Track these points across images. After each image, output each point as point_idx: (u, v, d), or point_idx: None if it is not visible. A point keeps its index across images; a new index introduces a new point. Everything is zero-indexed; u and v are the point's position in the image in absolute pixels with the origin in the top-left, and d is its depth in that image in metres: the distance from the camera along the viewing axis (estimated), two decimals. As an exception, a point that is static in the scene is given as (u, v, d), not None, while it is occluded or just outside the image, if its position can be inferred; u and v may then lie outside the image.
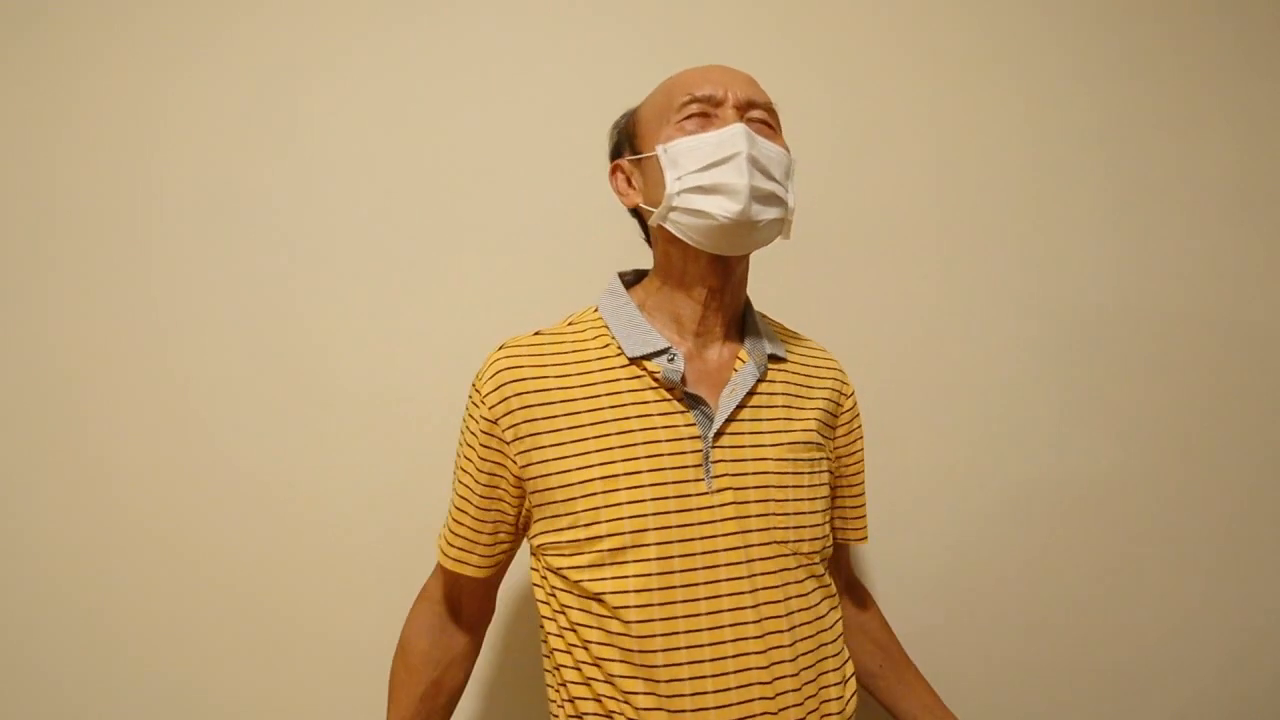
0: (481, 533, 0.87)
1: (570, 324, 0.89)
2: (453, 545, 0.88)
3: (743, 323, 0.90)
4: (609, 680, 0.79)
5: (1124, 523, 1.31)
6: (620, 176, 0.90)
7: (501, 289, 1.20)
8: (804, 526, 0.84)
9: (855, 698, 0.88)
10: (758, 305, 0.95)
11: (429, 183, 1.19)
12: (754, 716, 0.78)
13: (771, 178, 0.81)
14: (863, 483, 0.98)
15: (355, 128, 1.18)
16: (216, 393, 1.15)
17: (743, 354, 0.86)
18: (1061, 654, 1.30)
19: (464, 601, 0.93)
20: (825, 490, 0.88)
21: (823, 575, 0.87)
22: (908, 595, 1.25)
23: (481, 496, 0.86)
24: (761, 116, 0.84)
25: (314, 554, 1.16)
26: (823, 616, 0.86)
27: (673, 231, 0.83)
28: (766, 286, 1.11)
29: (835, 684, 0.85)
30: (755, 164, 0.79)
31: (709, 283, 0.85)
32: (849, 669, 0.89)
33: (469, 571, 0.88)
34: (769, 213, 0.80)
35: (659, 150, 0.82)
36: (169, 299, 1.14)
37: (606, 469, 0.79)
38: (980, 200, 1.29)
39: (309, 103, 1.17)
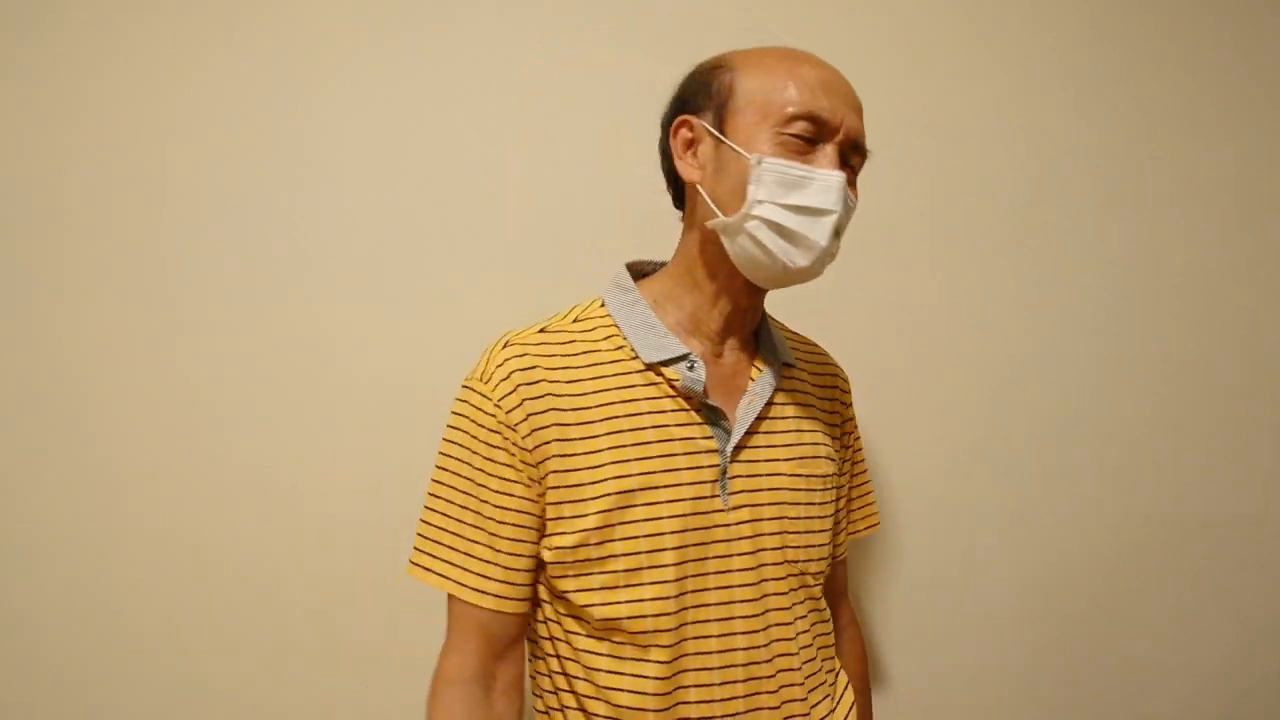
0: (521, 554, 0.75)
1: (576, 320, 0.80)
2: (490, 579, 0.75)
3: (757, 327, 0.84)
4: (616, 710, 0.74)
5: (1124, 521, 1.32)
6: (684, 136, 0.78)
7: (507, 288, 1.18)
8: (813, 547, 0.81)
9: None
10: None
11: (433, 183, 1.18)
12: None
13: (840, 236, 0.74)
14: (868, 480, 0.97)
15: (359, 130, 1.16)
16: (222, 391, 1.14)
17: (759, 362, 0.81)
18: (1063, 650, 1.31)
19: (503, 659, 0.78)
20: (833, 510, 0.84)
21: (820, 599, 0.84)
22: (907, 591, 1.27)
23: (516, 510, 0.75)
24: (855, 163, 0.76)
25: (318, 552, 1.15)
26: (823, 635, 0.83)
27: (726, 247, 0.76)
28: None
29: (830, 713, 0.83)
30: (838, 227, 0.73)
31: (740, 301, 0.79)
32: (848, 698, 0.86)
33: (512, 606, 0.75)
34: (823, 267, 0.74)
35: (753, 160, 0.72)
36: (174, 299, 1.13)
37: (621, 483, 0.73)
38: (978, 202, 1.29)
39: (314, 104, 1.16)
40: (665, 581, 0.73)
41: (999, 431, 1.29)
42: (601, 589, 0.73)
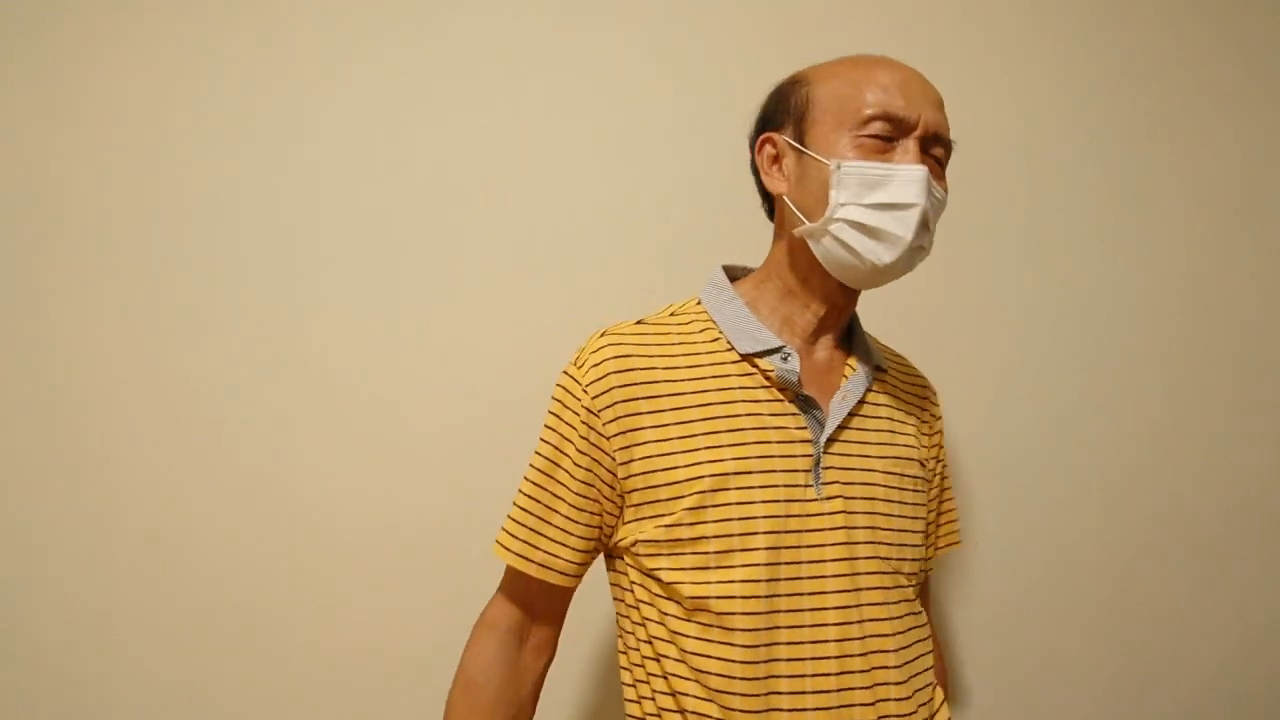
0: (573, 534, 0.79)
1: (672, 314, 0.84)
2: (537, 549, 0.80)
3: (849, 331, 0.86)
4: (707, 691, 0.74)
5: (1122, 522, 1.30)
6: (769, 152, 0.82)
7: (505, 292, 1.18)
8: (906, 545, 0.80)
9: None
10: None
11: (431, 185, 1.17)
12: None
13: (930, 229, 0.76)
14: (952, 495, 0.96)
15: (358, 130, 1.16)
16: (219, 394, 1.13)
17: (852, 362, 0.83)
18: (1065, 648, 1.29)
19: (540, 620, 0.84)
20: (924, 512, 0.85)
21: (915, 601, 0.83)
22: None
23: (576, 493, 0.79)
24: (939, 155, 0.77)
25: (315, 555, 1.14)
26: (921, 641, 0.81)
27: (813, 251, 0.78)
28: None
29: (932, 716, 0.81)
30: (925, 218, 0.74)
31: (833, 301, 0.81)
32: (944, 715, 0.84)
33: (556, 579, 0.80)
34: (915, 261, 0.77)
35: (833, 165, 0.75)
36: (172, 301, 1.13)
37: (716, 467, 0.74)
38: (977, 201, 1.28)
39: (313, 104, 1.16)
40: (755, 565, 0.74)
41: (998, 430, 1.27)
42: (693, 569, 0.75)
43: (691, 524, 0.74)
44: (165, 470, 1.12)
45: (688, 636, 0.75)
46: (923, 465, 0.85)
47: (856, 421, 0.80)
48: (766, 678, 0.73)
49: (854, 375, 0.81)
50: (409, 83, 1.17)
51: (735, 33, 1.24)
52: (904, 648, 0.78)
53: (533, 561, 0.80)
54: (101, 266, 1.12)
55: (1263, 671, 1.34)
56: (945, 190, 0.78)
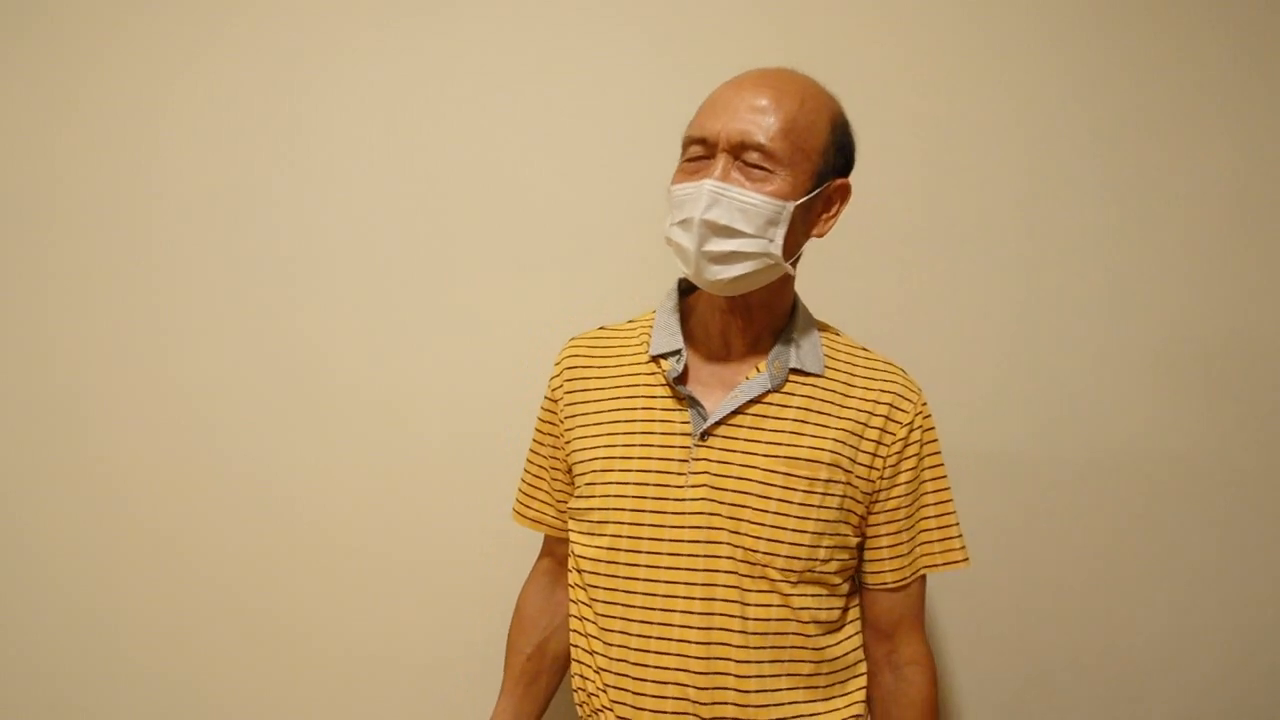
0: (554, 496, 0.98)
1: (631, 322, 0.97)
2: (529, 507, 1.00)
3: (784, 333, 0.89)
4: (585, 635, 0.89)
5: (1120, 524, 1.31)
6: None
7: (502, 291, 1.21)
8: (780, 542, 0.83)
9: None
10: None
11: (430, 184, 1.19)
12: (683, 715, 0.82)
13: (735, 234, 0.79)
14: (935, 515, 0.90)
15: (356, 129, 1.17)
16: (217, 394, 1.16)
17: (761, 365, 0.87)
18: (1056, 646, 1.31)
19: (563, 563, 0.97)
20: (829, 515, 0.84)
21: (803, 603, 0.84)
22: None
23: (551, 466, 0.97)
24: (755, 160, 0.80)
25: (312, 555, 1.17)
26: (804, 647, 0.84)
27: None
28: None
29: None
30: (710, 227, 0.79)
31: (718, 304, 0.88)
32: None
33: (551, 531, 0.99)
34: (731, 270, 0.81)
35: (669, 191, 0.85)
36: (170, 300, 1.15)
37: (606, 451, 0.88)
38: (973, 203, 1.28)
39: (311, 103, 1.17)
40: (620, 536, 0.86)
41: (991, 429, 1.29)
42: (584, 533, 0.90)
43: (586, 497, 0.89)
44: (164, 471, 1.14)
45: (578, 587, 0.90)
46: (837, 469, 0.84)
47: (749, 420, 0.85)
48: (620, 632, 0.85)
49: (755, 377, 0.86)
50: (408, 80, 1.18)
51: (736, 35, 1.24)
52: (762, 640, 0.82)
53: (526, 517, 1.01)
54: (102, 268, 1.14)
55: (1262, 672, 1.34)
56: (779, 194, 0.80)
